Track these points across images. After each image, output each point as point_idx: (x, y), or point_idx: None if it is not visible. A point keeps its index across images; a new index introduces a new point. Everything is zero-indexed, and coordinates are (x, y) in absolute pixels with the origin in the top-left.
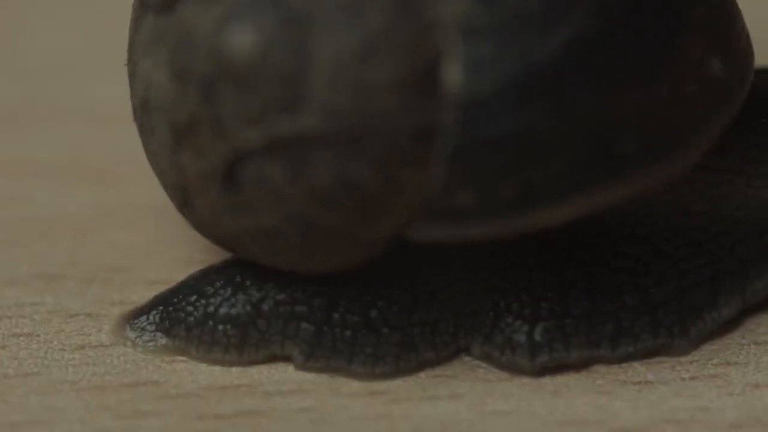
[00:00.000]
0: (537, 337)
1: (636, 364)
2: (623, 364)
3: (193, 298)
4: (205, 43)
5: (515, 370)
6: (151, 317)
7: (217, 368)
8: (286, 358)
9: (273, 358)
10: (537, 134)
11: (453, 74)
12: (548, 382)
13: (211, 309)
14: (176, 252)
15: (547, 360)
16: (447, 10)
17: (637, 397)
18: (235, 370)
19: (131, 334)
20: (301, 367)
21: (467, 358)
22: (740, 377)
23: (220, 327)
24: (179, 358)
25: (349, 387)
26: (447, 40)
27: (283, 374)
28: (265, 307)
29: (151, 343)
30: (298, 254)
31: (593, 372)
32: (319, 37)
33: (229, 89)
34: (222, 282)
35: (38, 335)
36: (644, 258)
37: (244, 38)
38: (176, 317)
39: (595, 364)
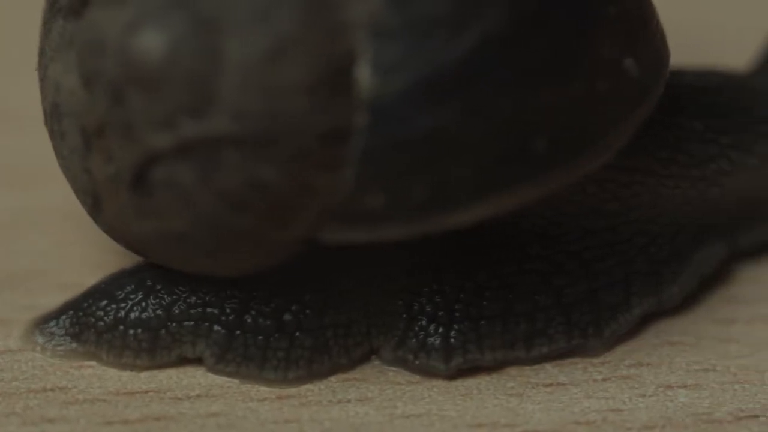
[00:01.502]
0: (452, 340)
1: (548, 366)
2: (535, 366)
3: (104, 302)
4: (114, 47)
5: (429, 373)
6: (61, 322)
7: (125, 373)
8: (197, 361)
9: (184, 361)
10: (448, 135)
11: (363, 76)
12: (459, 384)
13: (121, 314)
14: (88, 256)
15: (461, 362)
16: (357, 12)
17: (548, 399)
18: (143, 375)
19: (41, 339)
20: (212, 369)
21: (377, 362)
22: (653, 378)
23: (131, 331)
24: (88, 363)
25: (257, 391)
26: (357, 42)
27: (192, 379)
28: (177, 310)
29: (60, 348)
30: (208, 258)
31: (504, 374)
32: (229, 40)
33: (138, 93)
34: (133, 286)
35: None
36: (556, 258)
37: (153, 42)
38: (86, 322)
39: (508, 367)
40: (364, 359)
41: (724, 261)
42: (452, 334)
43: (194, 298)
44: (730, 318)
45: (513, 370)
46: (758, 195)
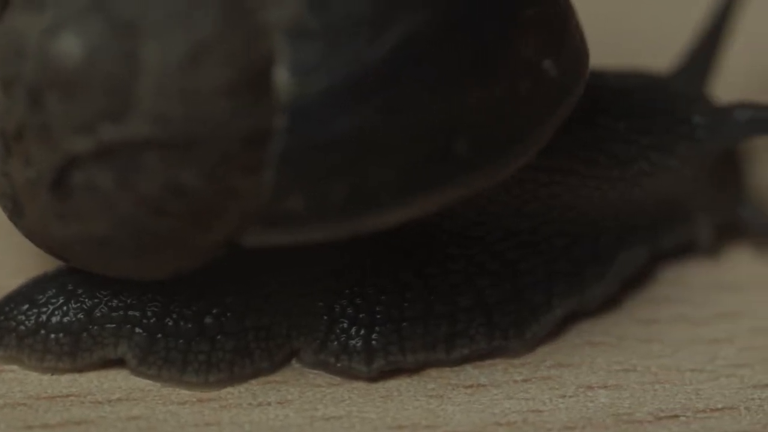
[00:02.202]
0: (373, 342)
1: (468, 367)
2: (455, 368)
3: (25, 307)
4: (33, 51)
5: (351, 375)
6: None
7: (46, 377)
8: (119, 363)
9: (107, 364)
10: (368, 136)
11: (282, 78)
12: (380, 386)
13: (42, 318)
14: (8, 260)
15: (383, 365)
16: (276, 16)
17: (468, 400)
18: (64, 378)
19: None
20: (134, 371)
21: (298, 365)
22: (573, 379)
23: (53, 336)
24: (9, 367)
25: (178, 394)
26: (276, 44)
27: (113, 383)
28: (98, 313)
29: None
30: (129, 261)
31: (425, 376)
32: (148, 44)
33: (56, 97)
34: (54, 290)
35: None
36: (478, 259)
37: (71, 46)
38: (7, 326)
39: (429, 368)
40: (286, 362)
41: (646, 263)
42: (374, 336)
43: (116, 301)
44: (652, 318)
45: (434, 372)
46: (678, 196)
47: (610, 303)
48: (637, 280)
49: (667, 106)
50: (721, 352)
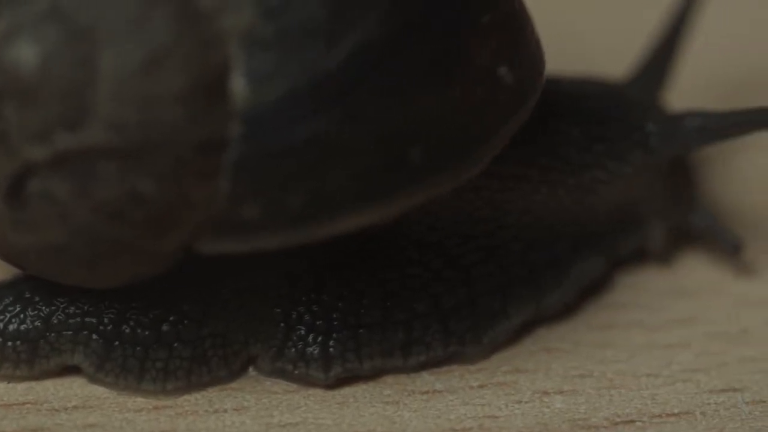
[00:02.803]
0: (331, 349)
1: (425, 374)
2: (412, 374)
3: None
4: None
5: (308, 383)
6: None
7: (2, 385)
8: (76, 371)
9: (64, 371)
10: (323, 144)
11: (238, 86)
12: (336, 393)
13: (0, 326)
14: None
15: (340, 372)
16: (231, 23)
17: (424, 406)
18: (20, 386)
19: None
20: (91, 379)
21: (255, 372)
22: (529, 384)
23: (10, 343)
24: None
25: (134, 402)
26: (231, 52)
27: (69, 390)
28: (55, 320)
29: None
30: (85, 269)
31: (381, 382)
32: (104, 51)
33: (12, 105)
34: (11, 298)
35: None
36: (434, 265)
37: (27, 53)
38: None
39: (385, 375)
40: (243, 371)
41: (603, 272)
42: (331, 343)
43: (72, 308)
44: (608, 324)
45: (390, 378)
46: (632, 202)
47: (565, 309)
48: (592, 286)
49: (621, 113)
50: (677, 357)
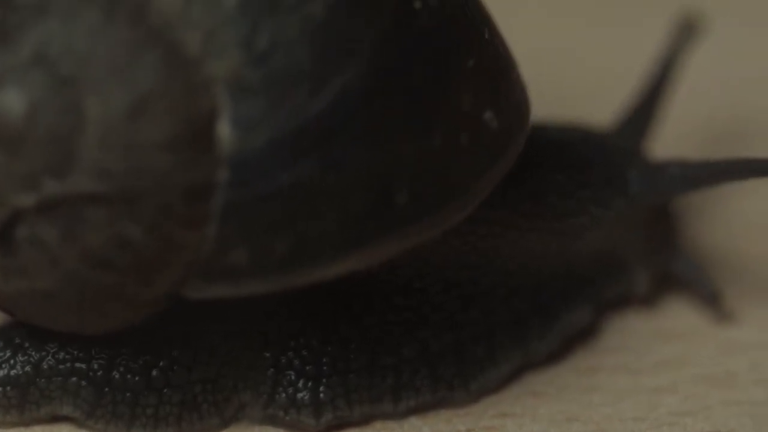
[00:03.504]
0: (321, 395)
1: (413, 418)
2: (400, 419)
3: None
4: None
5: (299, 429)
6: None
7: None
8: (68, 418)
9: (54, 417)
10: (309, 190)
11: (224, 132)
12: None
13: None
14: None
15: (331, 419)
16: (218, 70)
17: None
18: None
19: None
20: (82, 425)
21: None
22: (516, 429)
23: (0, 389)
24: None
25: None
26: (217, 98)
27: None
28: (45, 366)
29: None
30: (75, 315)
31: (370, 428)
32: (89, 98)
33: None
34: (1, 344)
35: None
36: (421, 310)
37: (14, 100)
38: None
39: (374, 420)
40: (234, 418)
41: (590, 317)
42: (321, 388)
43: (63, 354)
44: (594, 368)
45: (378, 423)
46: (617, 248)
47: (552, 353)
48: (578, 331)
49: (604, 160)
50: (663, 400)
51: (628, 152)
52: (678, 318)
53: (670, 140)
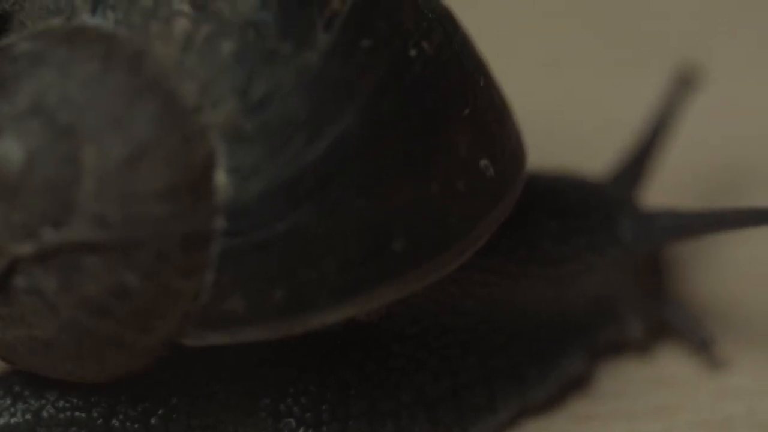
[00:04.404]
0: None
1: None
2: None
3: None
4: None
5: None
6: None
7: None
8: None
9: None
10: (306, 237)
11: (221, 181)
12: None
13: None
14: None
15: None
16: (214, 119)
17: None
18: None
19: None
20: None
21: None
22: None
23: None
24: None
25: None
26: (214, 146)
27: None
28: (45, 414)
29: None
30: (74, 364)
31: None
32: (87, 148)
33: None
34: (1, 392)
35: None
36: (418, 356)
37: (11, 150)
38: None
39: None
40: None
41: (586, 364)
42: None
43: (62, 402)
44: (590, 414)
45: None
46: (610, 295)
47: (548, 400)
48: (576, 376)
49: (598, 207)
50: None
51: (621, 201)
52: (673, 364)
53: (670, 189)
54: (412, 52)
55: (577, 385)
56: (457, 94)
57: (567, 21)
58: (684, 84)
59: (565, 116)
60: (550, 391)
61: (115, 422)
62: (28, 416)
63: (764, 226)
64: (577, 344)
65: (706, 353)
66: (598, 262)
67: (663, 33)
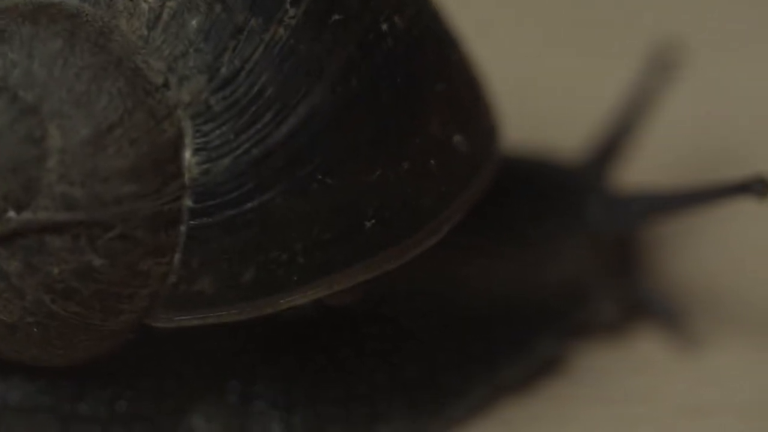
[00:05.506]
0: (294, 426)
1: None
2: None
3: None
4: None
5: None
6: None
7: None
8: None
9: None
10: (275, 216)
11: (189, 161)
12: None
13: None
14: None
15: None
16: (181, 96)
17: None
18: None
19: None
20: None
21: None
22: None
23: None
24: None
25: None
26: (182, 126)
27: None
28: (10, 400)
29: None
30: (39, 348)
31: None
32: (51, 128)
33: None
34: None
35: None
36: (392, 338)
37: None
38: None
39: None
40: None
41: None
42: (295, 419)
43: (28, 386)
44: (566, 397)
45: None
46: (583, 277)
47: (523, 382)
48: (549, 360)
49: (570, 190)
50: (639, 430)
51: (593, 183)
52: (648, 348)
53: (650, 169)
54: (384, 27)
55: (552, 368)
56: (430, 69)
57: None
58: (659, 65)
59: (541, 93)
60: (523, 373)
61: (82, 406)
62: None
63: (733, 200)
64: (551, 327)
65: (681, 335)
66: (570, 244)
67: (645, 12)
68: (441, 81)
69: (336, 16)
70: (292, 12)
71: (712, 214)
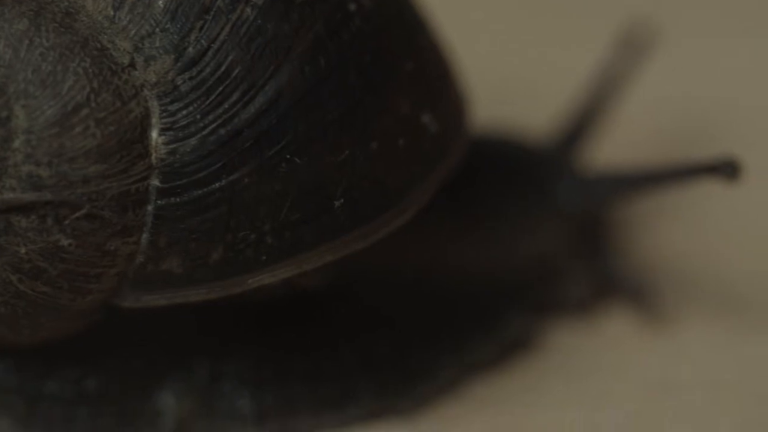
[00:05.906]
0: (264, 404)
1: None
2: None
3: None
4: None
5: None
6: None
7: None
8: None
9: None
10: (242, 196)
11: (156, 141)
12: None
13: None
14: None
15: (276, 428)
16: (147, 75)
17: None
18: None
19: None
20: None
21: None
22: None
23: None
24: None
25: None
26: (148, 105)
27: None
28: None
29: None
30: (6, 327)
31: None
32: (17, 108)
33: None
34: None
35: None
36: (361, 316)
37: None
38: None
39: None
40: (172, 429)
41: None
42: (264, 397)
43: None
44: (533, 374)
45: None
46: (552, 255)
47: (493, 359)
48: (520, 336)
49: (539, 169)
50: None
51: (561, 163)
52: (619, 325)
53: (625, 146)
54: (351, 7)
55: (522, 345)
56: (398, 49)
57: None
58: (630, 44)
59: (510, 71)
60: (494, 351)
61: (49, 385)
62: None
63: (703, 181)
64: (519, 305)
65: (652, 313)
66: (540, 223)
67: None
68: (409, 61)
69: None
70: None
71: (683, 193)
